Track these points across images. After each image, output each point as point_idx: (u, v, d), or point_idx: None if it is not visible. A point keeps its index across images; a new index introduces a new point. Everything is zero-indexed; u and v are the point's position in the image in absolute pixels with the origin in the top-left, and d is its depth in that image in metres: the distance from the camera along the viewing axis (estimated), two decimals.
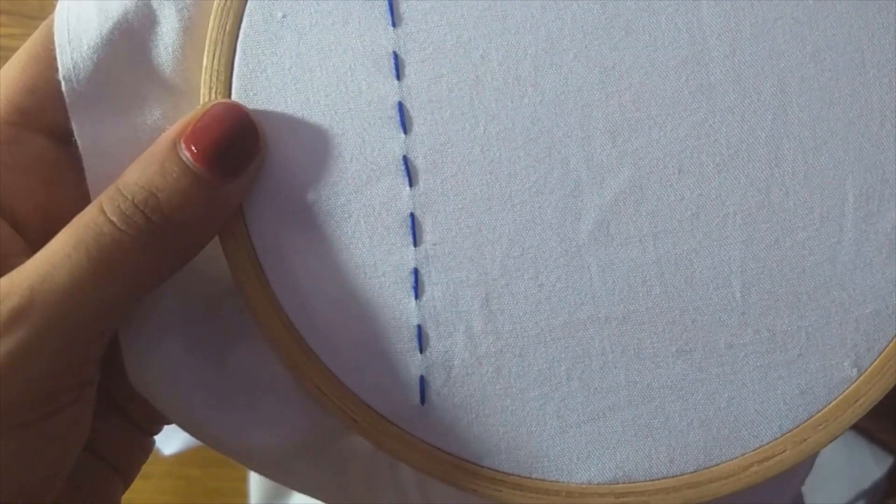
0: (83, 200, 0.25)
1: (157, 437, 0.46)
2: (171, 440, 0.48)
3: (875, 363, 0.24)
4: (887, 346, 0.24)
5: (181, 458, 0.48)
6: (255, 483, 0.50)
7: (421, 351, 0.24)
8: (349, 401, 0.24)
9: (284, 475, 0.29)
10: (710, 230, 0.24)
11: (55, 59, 0.24)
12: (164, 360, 0.24)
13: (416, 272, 0.24)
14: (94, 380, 0.23)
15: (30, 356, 0.21)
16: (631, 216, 0.24)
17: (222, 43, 0.24)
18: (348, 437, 0.27)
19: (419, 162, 0.24)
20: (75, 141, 0.26)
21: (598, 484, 0.24)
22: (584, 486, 0.24)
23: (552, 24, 0.24)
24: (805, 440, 0.24)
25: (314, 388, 0.24)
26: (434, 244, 0.24)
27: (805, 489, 0.55)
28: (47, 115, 0.24)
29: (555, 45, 0.24)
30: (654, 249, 0.24)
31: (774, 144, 0.24)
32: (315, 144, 0.24)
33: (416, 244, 0.24)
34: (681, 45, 0.24)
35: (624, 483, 0.24)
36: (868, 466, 0.54)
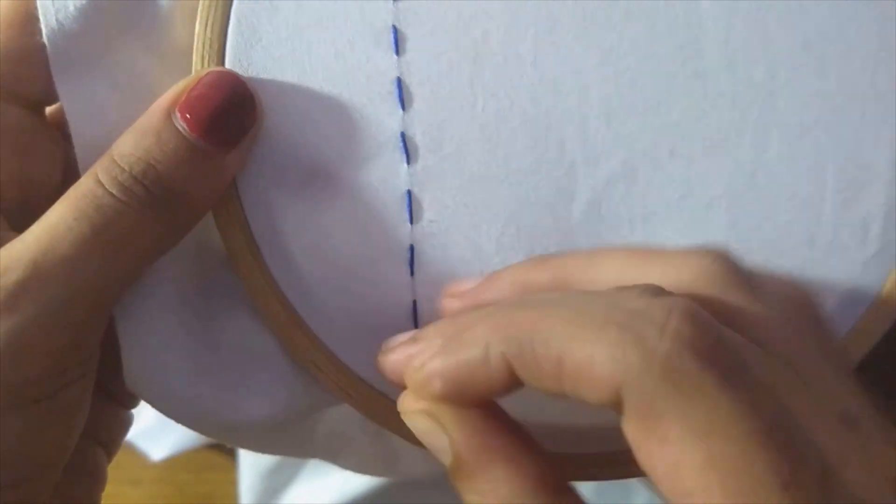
0: (59, 171, 0.25)
1: (146, 443, 0.45)
2: (160, 445, 0.48)
3: (842, 342, 0.25)
4: (854, 325, 0.25)
5: (172, 463, 0.48)
6: (246, 487, 0.50)
7: (416, 327, 0.24)
8: (343, 375, 0.24)
9: (266, 447, 0.30)
10: (697, 212, 0.25)
11: (27, 24, 0.23)
12: (156, 335, 0.24)
13: (412, 249, 0.24)
14: (97, 353, 0.23)
15: (38, 331, 0.21)
16: (622, 197, 0.24)
17: (216, 9, 0.23)
18: (338, 406, 0.27)
19: (418, 139, 0.24)
20: (51, 110, 0.25)
21: (576, 454, 0.25)
22: (562, 456, 0.25)
23: (553, 3, 0.24)
24: None
25: (309, 362, 0.24)
26: (431, 221, 0.24)
27: None
28: (20, 84, 0.24)
29: (555, 25, 0.24)
30: (643, 230, 0.25)
31: (762, 130, 0.24)
32: (311, 118, 0.24)
33: (412, 221, 0.24)
34: (677, 30, 0.24)
35: (600, 454, 0.25)
36: None
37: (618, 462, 0.25)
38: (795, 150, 0.24)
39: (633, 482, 0.55)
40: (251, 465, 0.53)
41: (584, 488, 0.56)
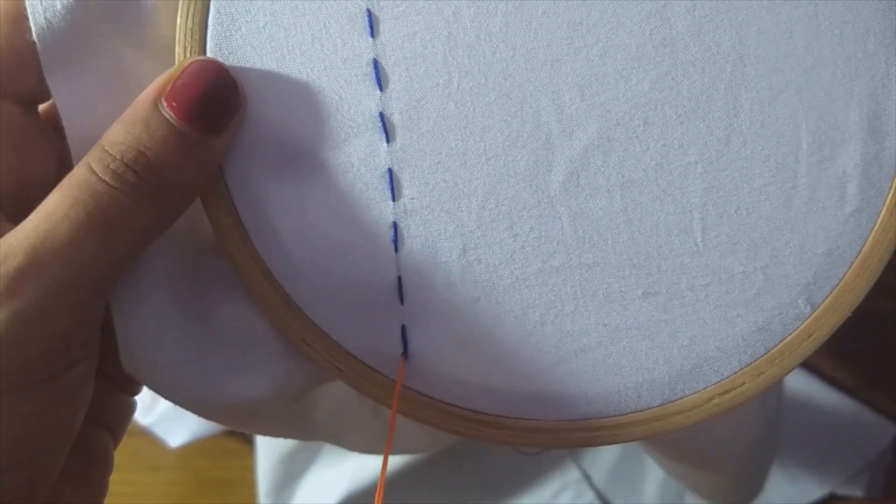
0: (54, 166, 0.26)
1: (163, 430, 0.46)
2: (177, 432, 0.49)
3: (827, 300, 0.26)
4: (838, 283, 0.26)
5: (189, 449, 0.49)
6: (263, 472, 0.51)
7: (402, 302, 0.25)
8: (334, 351, 0.25)
9: (264, 428, 0.30)
10: (674, 179, 0.25)
11: (17, 23, 0.24)
12: (150, 319, 0.25)
13: (395, 226, 0.25)
14: (98, 336, 0.24)
15: (41, 314, 0.22)
16: (599, 167, 0.25)
17: (196, 1, 0.24)
18: (330, 384, 0.28)
19: (395, 118, 0.25)
20: (43, 107, 0.26)
21: (572, 420, 0.26)
22: (558, 422, 0.26)
23: None
24: (762, 373, 0.26)
25: (299, 338, 0.25)
26: (412, 198, 0.25)
27: (810, 461, 0.56)
28: (14, 82, 0.25)
29: (524, 2, 0.24)
30: (622, 198, 0.25)
31: (733, 95, 0.25)
32: (292, 102, 0.24)
33: (394, 199, 0.25)
34: (644, 0, 0.24)
35: (596, 419, 0.26)
36: (874, 437, 0.55)
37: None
38: (767, 113, 0.25)
39: (648, 463, 0.56)
40: (269, 450, 0.54)
41: (598, 472, 0.56)
